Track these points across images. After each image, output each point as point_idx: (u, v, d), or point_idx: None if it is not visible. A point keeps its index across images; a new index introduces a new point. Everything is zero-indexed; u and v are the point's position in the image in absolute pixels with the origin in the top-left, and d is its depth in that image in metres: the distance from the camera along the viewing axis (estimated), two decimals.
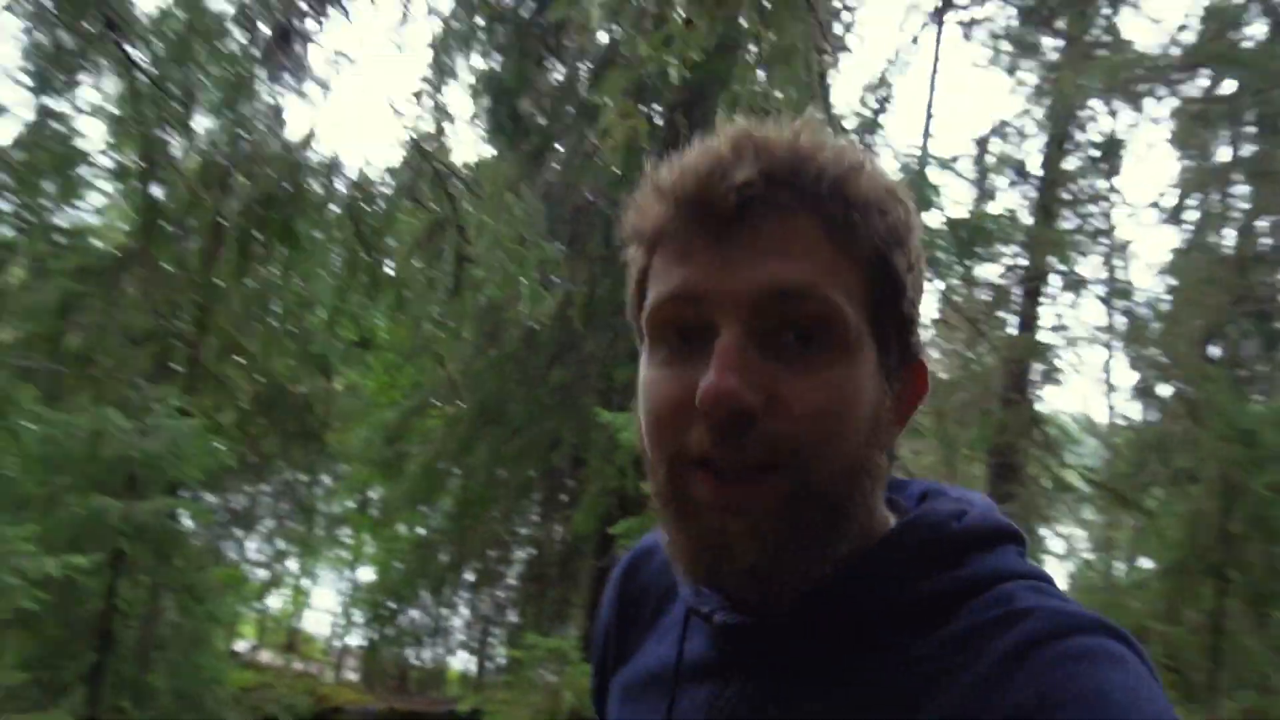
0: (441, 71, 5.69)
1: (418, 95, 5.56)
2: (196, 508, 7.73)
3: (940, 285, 8.04)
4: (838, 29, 8.57)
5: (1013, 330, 8.82)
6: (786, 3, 3.61)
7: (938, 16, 8.99)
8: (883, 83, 8.47)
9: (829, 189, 0.61)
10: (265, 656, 14.30)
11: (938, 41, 8.93)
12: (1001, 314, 8.99)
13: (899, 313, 0.64)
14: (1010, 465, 8.02)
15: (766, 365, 0.60)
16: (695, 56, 3.43)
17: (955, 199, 9.49)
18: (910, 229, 0.65)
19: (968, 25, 9.33)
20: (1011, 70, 9.28)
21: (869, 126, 8.23)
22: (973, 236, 7.42)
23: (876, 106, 8.45)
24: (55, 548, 5.61)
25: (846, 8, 8.77)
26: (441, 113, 5.67)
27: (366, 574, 14.67)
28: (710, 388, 0.58)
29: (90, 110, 6.26)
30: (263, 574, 12.68)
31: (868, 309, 0.62)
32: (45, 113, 5.26)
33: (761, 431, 0.59)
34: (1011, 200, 9.05)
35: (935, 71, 8.74)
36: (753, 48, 4.20)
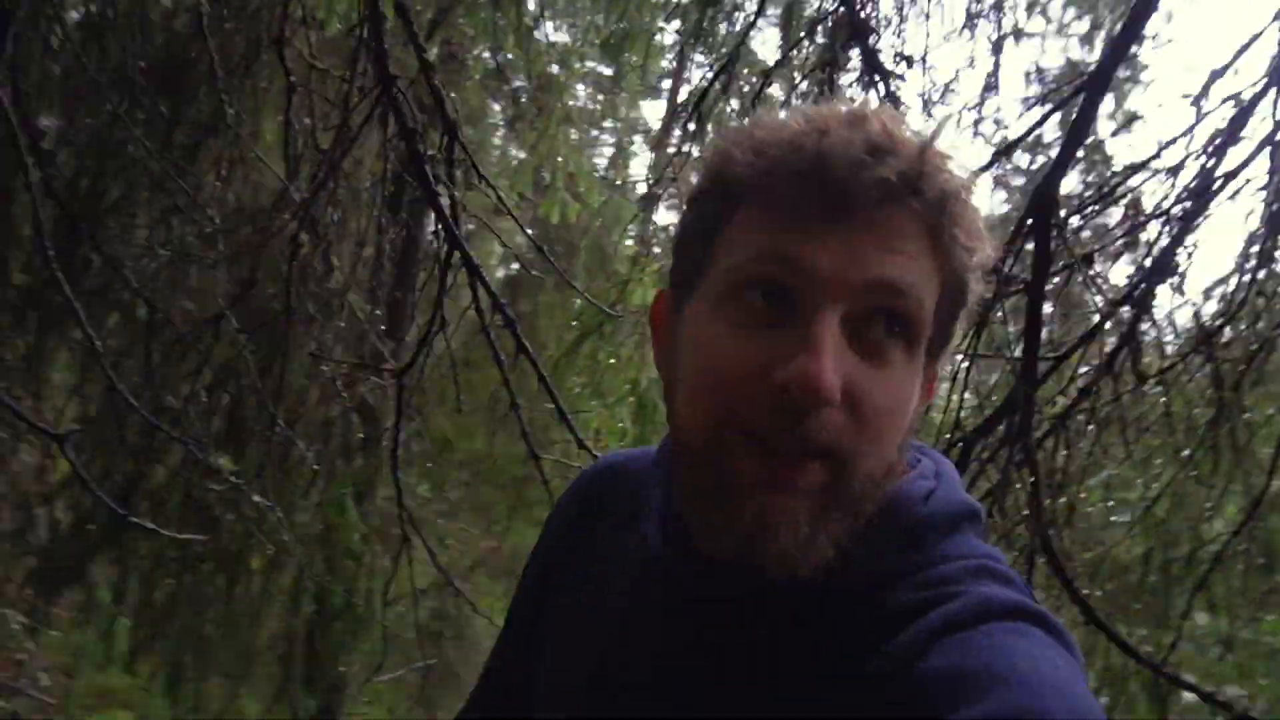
0: None
1: None
2: None
3: None
4: None
5: None
6: None
7: None
8: None
9: (945, 205, 0.62)
10: None
11: None
12: None
13: (950, 328, 0.67)
14: None
15: (848, 355, 0.60)
16: None
17: None
18: (986, 261, 0.66)
19: None
20: None
21: None
22: None
23: None
24: None
25: None
26: None
27: None
28: (810, 372, 0.57)
29: None
30: None
31: (934, 318, 0.64)
32: None
33: (826, 419, 0.59)
34: None
35: None
36: None
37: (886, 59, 2.33)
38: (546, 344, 5.18)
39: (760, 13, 2.98)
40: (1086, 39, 5.73)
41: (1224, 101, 2.11)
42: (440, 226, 2.00)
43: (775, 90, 2.78)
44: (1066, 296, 2.36)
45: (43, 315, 1.99)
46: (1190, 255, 2.10)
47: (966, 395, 2.13)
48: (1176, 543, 2.55)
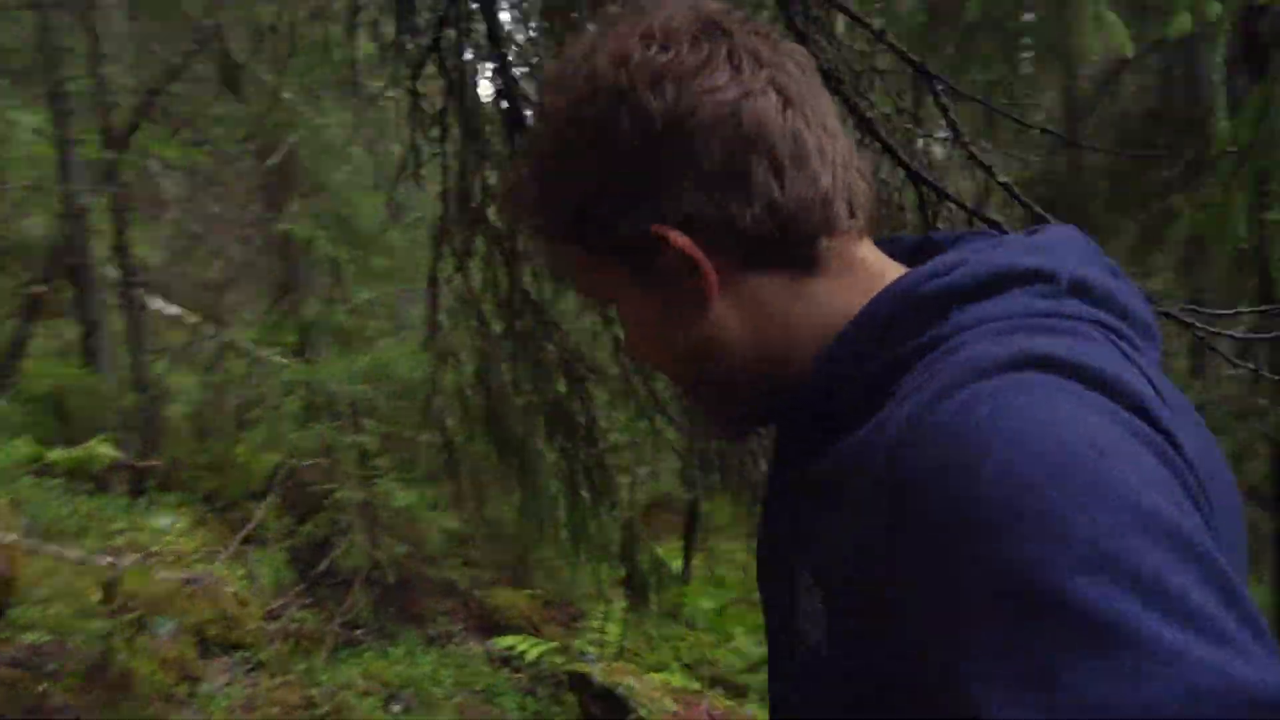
0: None
1: None
2: None
3: None
4: None
5: None
6: None
7: None
8: None
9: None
10: None
11: None
12: None
13: (592, 234, 0.63)
14: None
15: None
16: None
17: None
18: (547, 148, 0.64)
19: None
20: None
21: None
22: None
23: None
24: None
25: None
26: None
27: None
28: None
29: None
30: None
31: (590, 253, 0.65)
32: None
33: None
34: None
35: None
36: None
37: None
38: None
39: None
40: None
41: None
42: None
43: None
44: None
45: None
46: None
47: None
48: None
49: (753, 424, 0.72)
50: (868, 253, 0.65)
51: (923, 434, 0.48)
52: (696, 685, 4.55)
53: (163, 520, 4.53)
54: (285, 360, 5.83)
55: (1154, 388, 0.51)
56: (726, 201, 0.60)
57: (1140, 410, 0.48)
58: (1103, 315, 0.56)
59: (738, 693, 4.83)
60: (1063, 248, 0.60)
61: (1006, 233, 0.69)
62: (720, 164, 0.59)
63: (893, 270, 0.64)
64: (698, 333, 0.64)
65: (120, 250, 6.04)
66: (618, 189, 0.61)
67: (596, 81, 0.60)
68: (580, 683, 4.15)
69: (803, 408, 0.63)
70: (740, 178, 0.60)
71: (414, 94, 2.32)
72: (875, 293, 0.60)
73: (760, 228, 0.60)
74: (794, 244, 0.61)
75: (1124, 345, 0.54)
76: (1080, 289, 0.56)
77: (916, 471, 0.48)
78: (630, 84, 0.59)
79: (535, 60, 2.61)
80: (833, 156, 0.62)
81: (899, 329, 0.57)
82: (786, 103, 0.61)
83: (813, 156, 0.61)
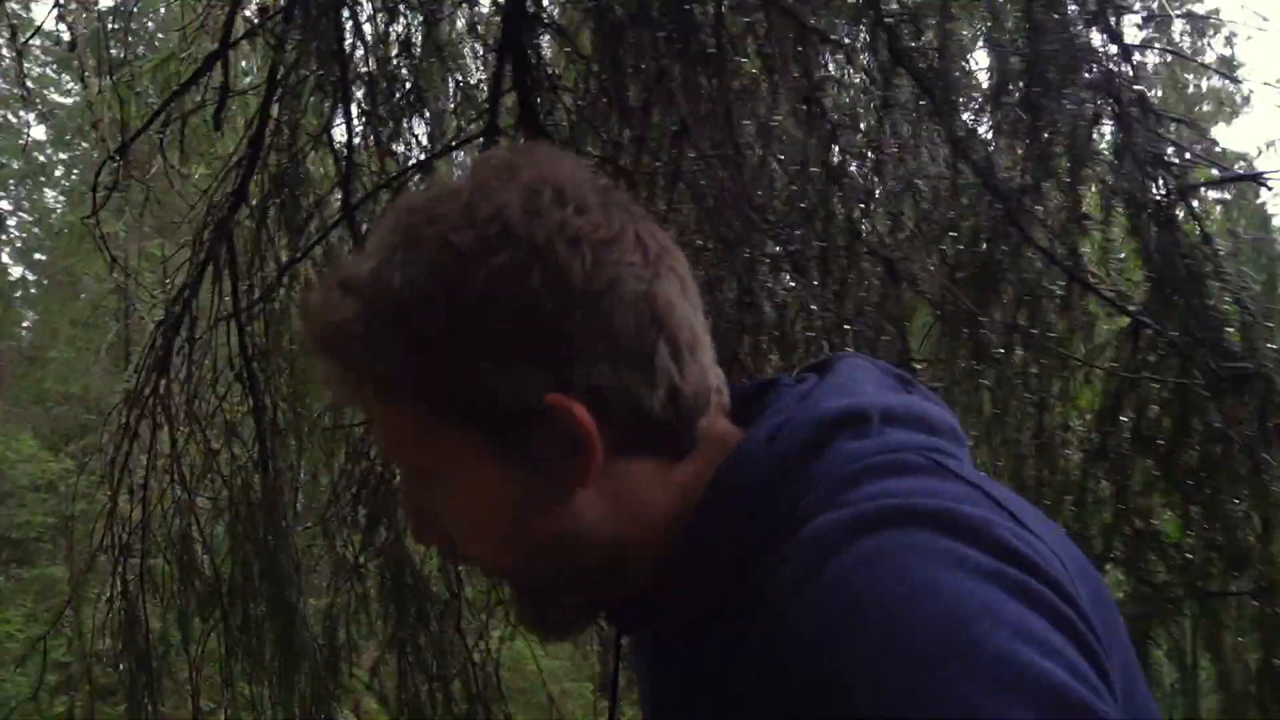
0: None
1: None
2: None
3: None
4: None
5: None
6: None
7: None
8: None
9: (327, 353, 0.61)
10: None
11: None
12: None
13: (459, 399, 0.57)
14: None
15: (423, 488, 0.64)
16: None
17: None
18: (414, 290, 0.56)
19: None
20: None
21: None
22: None
23: None
24: None
25: None
26: None
27: None
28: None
29: None
30: None
31: (440, 417, 0.58)
32: None
33: (427, 538, 0.68)
34: None
35: None
36: None
37: None
38: None
39: None
40: None
41: None
42: None
43: None
44: None
45: None
46: None
47: None
48: None
49: (584, 618, 0.67)
50: (717, 422, 0.63)
51: (789, 628, 0.48)
52: None
53: None
54: None
55: (1007, 510, 0.52)
56: (634, 382, 0.57)
57: (984, 539, 0.48)
58: (919, 438, 0.58)
59: None
60: (860, 377, 0.62)
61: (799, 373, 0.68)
62: (632, 343, 0.57)
63: (730, 432, 0.62)
64: (554, 519, 0.59)
65: None
66: (512, 350, 0.56)
67: (507, 227, 0.55)
68: None
69: (658, 601, 0.62)
70: (647, 360, 0.57)
71: None
72: (719, 463, 0.60)
73: (664, 413, 0.58)
74: (680, 432, 0.60)
75: (950, 463, 0.55)
76: (890, 418, 0.58)
77: (793, 662, 0.47)
78: (547, 241, 0.55)
79: None
80: (710, 343, 0.62)
81: (749, 507, 0.57)
82: (684, 289, 0.61)
83: (701, 344, 0.61)
